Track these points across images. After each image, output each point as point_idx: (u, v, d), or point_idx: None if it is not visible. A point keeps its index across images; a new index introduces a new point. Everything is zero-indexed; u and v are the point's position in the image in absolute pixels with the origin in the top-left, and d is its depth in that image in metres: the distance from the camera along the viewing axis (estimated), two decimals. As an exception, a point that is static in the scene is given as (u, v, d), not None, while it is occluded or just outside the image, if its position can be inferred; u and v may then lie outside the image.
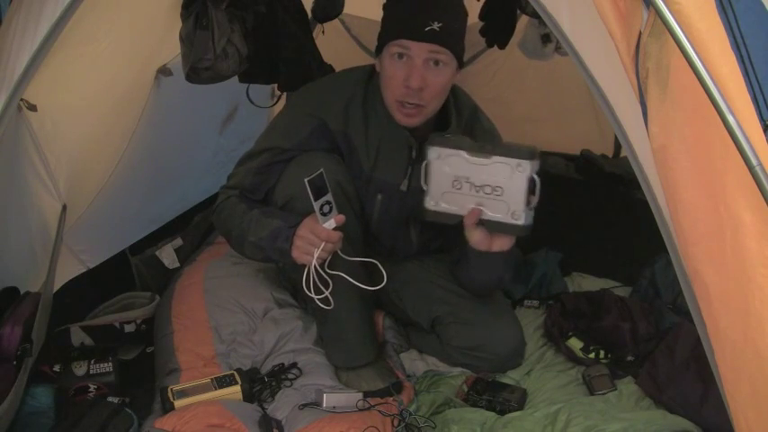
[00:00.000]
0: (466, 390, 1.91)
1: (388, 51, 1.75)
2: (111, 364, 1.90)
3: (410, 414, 1.78)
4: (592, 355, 2.07)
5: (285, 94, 2.36)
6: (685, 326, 1.98)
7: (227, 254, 2.46)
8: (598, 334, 2.13)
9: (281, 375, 1.91)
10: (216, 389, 1.79)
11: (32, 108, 1.72)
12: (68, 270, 2.15)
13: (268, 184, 1.90)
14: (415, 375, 2.03)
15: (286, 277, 2.25)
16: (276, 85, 2.17)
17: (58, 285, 2.06)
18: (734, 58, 1.14)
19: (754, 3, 1.45)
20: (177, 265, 2.54)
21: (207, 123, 2.70)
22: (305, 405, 1.79)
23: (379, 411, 1.78)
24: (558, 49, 2.58)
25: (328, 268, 1.74)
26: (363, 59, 2.98)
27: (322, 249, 1.67)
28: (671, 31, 1.11)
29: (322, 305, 1.74)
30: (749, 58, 1.27)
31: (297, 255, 1.72)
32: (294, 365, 1.95)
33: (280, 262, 2.05)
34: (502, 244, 1.74)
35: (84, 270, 2.23)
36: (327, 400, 1.78)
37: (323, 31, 2.51)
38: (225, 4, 1.79)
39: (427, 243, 2.13)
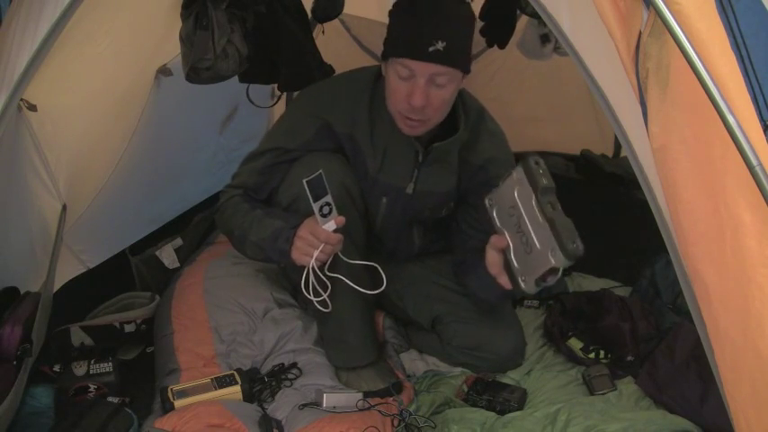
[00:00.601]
0: (466, 390, 1.91)
1: (392, 65, 1.72)
2: (111, 364, 1.90)
3: (410, 414, 1.78)
4: (592, 355, 2.08)
5: (285, 94, 2.36)
6: (685, 326, 1.98)
7: (227, 254, 2.46)
8: (598, 334, 2.13)
9: (281, 375, 1.91)
10: (216, 389, 1.79)
11: (32, 108, 1.72)
12: (68, 270, 2.15)
13: (271, 185, 1.90)
14: (415, 375, 2.03)
15: (286, 277, 2.25)
16: (276, 85, 2.17)
17: (58, 285, 2.06)
18: (734, 58, 1.14)
19: (754, 3, 1.46)
20: (177, 265, 2.53)
21: (207, 123, 2.70)
22: (305, 405, 1.79)
23: (379, 411, 1.78)
24: (556, 48, 2.58)
25: (328, 270, 1.74)
26: (363, 59, 2.99)
27: (321, 251, 1.67)
28: (671, 31, 1.11)
29: (320, 308, 1.74)
30: (749, 58, 1.28)
31: (296, 256, 1.72)
32: (294, 365, 1.95)
33: (281, 263, 2.04)
34: (505, 283, 1.68)
35: (84, 270, 2.23)
36: (327, 400, 1.78)
37: (323, 31, 2.51)
38: (225, 4, 1.79)
39: (429, 245, 2.13)
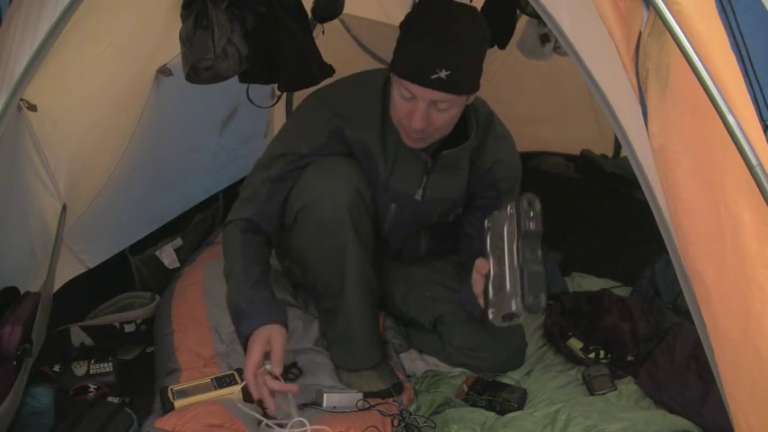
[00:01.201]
0: (466, 390, 1.91)
1: (397, 81, 1.69)
2: (111, 364, 1.90)
3: (410, 414, 1.78)
4: (592, 355, 2.08)
5: (285, 94, 2.36)
6: (685, 326, 1.98)
7: (227, 254, 2.47)
8: (598, 334, 2.13)
9: (282, 375, 1.91)
10: (216, 389, 1.79)
11: (32, 108, 1.72)
12: (68, 270, 2.15)
13: (284, 194, 1.85)
14: (415, 375, 2.03)
15: (286, 277, 2.25)
16: (276, 85, 2.17)
17: (58, 285, 2.06)
18: (734, 58, 1.14)
19: (754, 3, 1.45)
20: (177, 265, 2.54)
21: (207, 123, 2.70)
22: (305, 405, 1.79)
23: (379, 411, 1.78)
24: (556, 48, 2.58)
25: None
26: (363, 59, 2.99)
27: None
28: (671, 31, 1.11)
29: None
30: (749, 58, 1.27)
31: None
32: (294, 365, 1.95)
33: None
34: (482, 304, 1.66)
35: (84, 270, 2.23)
36: (327, 400, 1.79)
37: (323, 31, 2.50)
38: (225, 4, 1.79)
39: (436, 247, 2.13)
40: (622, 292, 2.40)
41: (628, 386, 1.94)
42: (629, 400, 1.89)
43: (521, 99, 3.02)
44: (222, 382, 1.81)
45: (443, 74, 1.59)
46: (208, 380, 1.82)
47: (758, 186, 1.08)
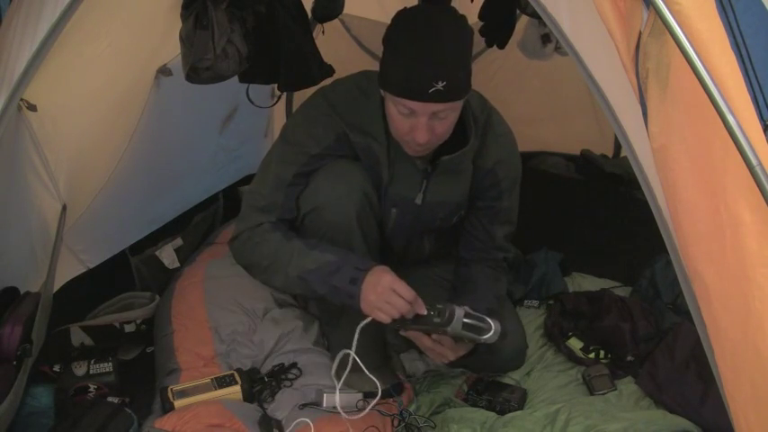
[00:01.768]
0: (466, 390, 1.91)
1: (392, 100, 1.67)
2: (111, 364, 1.90)
3: (410, 414, 1.78)
4: (592, 355, 2.08)
5: (285, 94, 2.35)
6: (685, 326, 1.98)
7: (227, 254, 2.45)
8: (598, 334, 2.13)
9: (281, 375, 1.91)
10: (216, 389, 1.79)
11: (32, 108, 1.72)
12: (68, 270, 2.15)
13: (297, 194, 1.84)
14: (416, 375, 2.03)
15: None
16: (276, 85, 2.17)
17: (58, 285, 2.06)
18: (734, 58, 1.14)
19: (754, 3, 1.46)
20: (177, 265, 2.53)
21: (207, 123, 2.70)
22: (305, 405, 1.79)
23: (379, 411, 1.78)
24: (557, 48, 2.58)
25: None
26: (363, 59, 2.99)
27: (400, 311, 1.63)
28: (671, 31, 1.11)
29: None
30: (749, 58, 1.28)
31: (368, 309, 1.66)
32: (294, 365, 1.95)
33: (333, 299, 1.79)
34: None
35: (84, 270, 2.23)
36: (327, 400, 1.79)
37: (323, 31, 2.50)
38: (225, 4, 1.78)
39: (440, 250, 2.12)
40: (622, 292, 2.40)
41: (628, 386, 1.94)
42: (629, 400, 1.89)
43: (521, 99, 3.02)
44: (222, 382, 1.81)
45: (441, 85, 1.58)
46: (208, 380, 1.82)
47: (758, 186, 1.09)
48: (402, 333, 1.81)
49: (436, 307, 1.63)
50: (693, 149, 1.17)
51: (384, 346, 2.06)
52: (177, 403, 1.73)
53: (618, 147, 3.12)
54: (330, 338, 2.05)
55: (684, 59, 1.10)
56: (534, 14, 2.37)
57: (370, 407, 1.71)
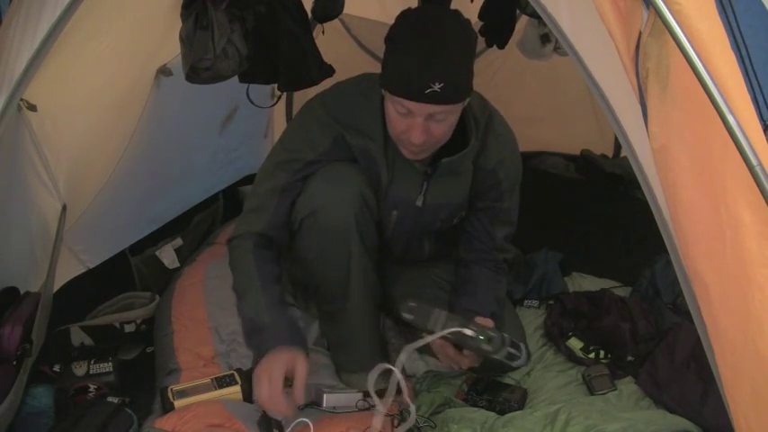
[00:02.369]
0: (466, 390, 1.91)
1: (390, 99, 1.66)
2: (111, 364, 1.90)
3: (410, 414, 1.78)
4: (592, 355, 2.07)
5: (285, 94, 2.35)
6: (685, 326, 1.98)
7: (227, 254, 2.46)
8: (598, 334, 2.13)
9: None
10: (216, 389, 1.79)
11: (32, 108, 1.72)
12: (68, 270, 2.15)
13: (291, 202, 1.82)
14: (416, 375, 2.03)
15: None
16: (276, 85, 2.17)
17: (58, 285, 2.06)
18: (734, 58, 1.14)
19: (754, 3, 1.46)
20: (177, 265, 2.54)
21: (207, 123, 2.70)
22: (305, 405, 1.78)
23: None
24: (557, 48, 2.58)
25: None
26: (363, 59, 2.99)
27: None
28: (671, 31, 1.11)
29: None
30: (749, 58, 1.28)
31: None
32: (294, 365, 1.95)
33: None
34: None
35: (84, 270, 2.23)
36: (327, 400, 1.78)
37: (323, 31, 2.50)
38: (225, 4, 1.79)
39: (440, 250, 2.12)
40: (622, 292, 2.40)
41: (628, 386, 1.94)
42: (629, 400, 1.89)
43: (521, 99, 3.02)
44: (222, 382, 1.81)
45: (437, 87, 1.57)
46: (208, 380, 1.82)
47: (758, 186, 1.09)
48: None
49: (486, 333, 1.63)
50: (693, 149, 1.17)
51: (384, 345, 2.06)
52: (177, 403, 1.73)
53: (618, 147, 3.13)
54: (330, 339, 2.05)
55: (684, 59, 1.10)
56: (534, 14, 2.37)
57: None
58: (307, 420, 1.68)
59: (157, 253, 2.50)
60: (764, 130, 1.16)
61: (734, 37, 1.25)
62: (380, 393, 1.87)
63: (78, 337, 2.04)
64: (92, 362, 1.89)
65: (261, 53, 1.97)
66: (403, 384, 1.61)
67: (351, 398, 1.82)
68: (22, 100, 1.64)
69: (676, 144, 1.18)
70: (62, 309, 2.03)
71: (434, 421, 1.77)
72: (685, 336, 1.96)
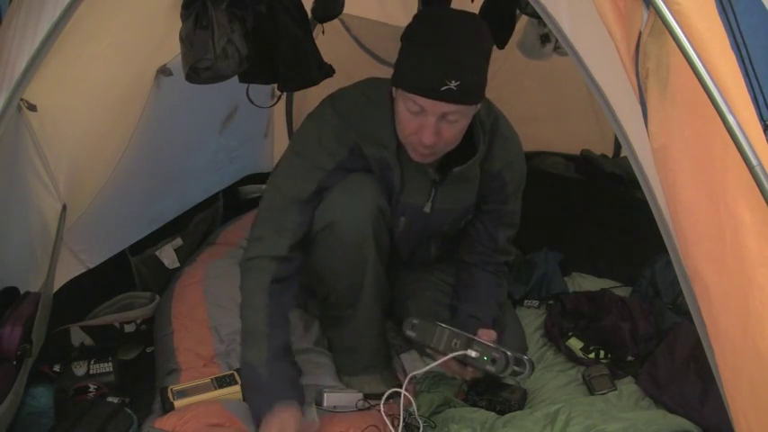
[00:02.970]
0: (466, 390, 1.91)
1: (402, 96, 1.65)
2: (111, 364, 1.90)
3: (410, 414, 1.78)
4: (592, 355, 2.08)
5: (285, 94, 2.35)
6: (685, 326, 1.98)
7: (227, 254, 2.46)
8: (598, 334, 2.13)
9: (281, 375, 1.90)
10: (216, 389, 1.79)
11: (32, 108, 1.72)
12: (68, 270, 2.15)
13: (310, 214, 1.79)
14: (416, 375, 2.03)
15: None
16: (276, 85, 2.17)
17: (58, 285, 2.06)
18: (734, 58, 1.14)
19: (754, 3, 1.46)
20: (177, 265, 2.53)
21: (207, 123, 2.70)
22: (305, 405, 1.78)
23: (379, 411, 1.78)
24: (557, 48, 2.58)
25: None
26: (363, 59, 2.99)
27: None
28: (671, 31, 1.11)
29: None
30: (749, 58, 1.28)
31: None
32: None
33: None
34: None
35: (84, 270, 2.23)
36: (327, 399, 1.79)
37: (323, 31, 2.50)
38: (225, 4, 1.79)
39: (447, 253, 2.12)
40: (622, 292, 2.40)
41: (628, 386, 1.94)
42: (629, 400, 1.89)
43: (521, 99, 3.02)
44: (222, 382, 1.81)
45: (453, 85, 1.55)
46: (208, 380, 1.82)
47: (758, 186, 1.09)
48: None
49: (491, 353, 1.64)
50: (693, 149, 1.17)
51: (387, 348, 2.06)
52: (177, 403, 1.73)
53: (618, 147, 3.13)
54: (334, 342, 2.05)
55: (684, 59, 1.10)
56: (534, 14, 2.37)
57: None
58: (307, 420, 1.68)
59: (157, 253, 2.50)
60: (764, 130, 1.16)
61: (734, 37, 1.25)
62: (380, 396, 1.88)
63: (78, 337, 2.04)
64: (92, 362, 1.89)
65: (261, 53, 1.97)
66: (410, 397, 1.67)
67: (351, 398, 1.82)
68: (22, 100, 1.64)
69: (676, 144, 1.18)
70: (62, 309, 2.03)
71: (434, 421, 1.77)
72: (685, 336, 1.96)
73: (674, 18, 1.10)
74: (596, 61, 1.28)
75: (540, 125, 3.08)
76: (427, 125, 1.62)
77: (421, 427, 1.74)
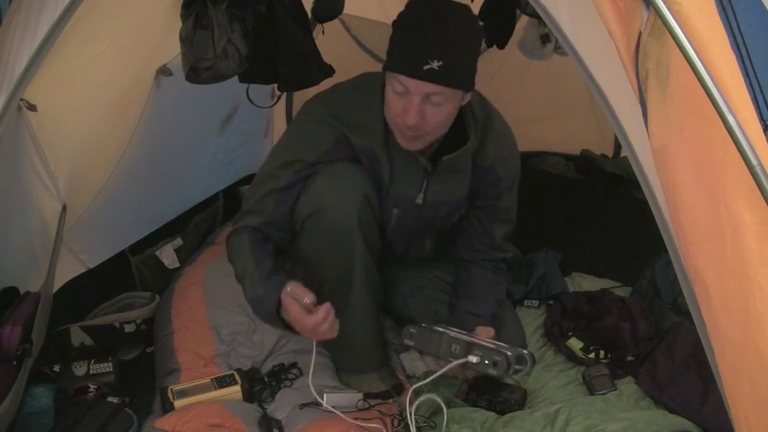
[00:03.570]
0: (466, 390, 1.91)
1: (390, 78, 1.67)
2: (111, 364, 1.90)
3: (410, 414, 1.78)
4: (592, 355, 2.08)
5: (285, 94, 2.35)
6: (685, 326, 1.98)
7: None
8: (598, 334, 2.13)
9: (281, 375, 1.91)
10: (216, 389, 1.79)
11: (32, 108, 1.72)
12: (68, 270, 2.15)
13: (292, 201, 1.83)
14: (416, 375, 2.03)
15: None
16: (276, 85, 2.17)
17: (58, 285, 2.06)
18: (734, 58, 1.14)
19: (754, 3, 1.46)
20: (177, 265, 2.54)
21: (207, 123, 2.70)
22: (305, 405, 1.79)
23: (379, 411, 1.78)
24: (557, 48, 2.58)
25: None
26: (363, 59, 2.99)
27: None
28: (671, 31, 1.11)
29: None
30: (749, 58, 1.28)
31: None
32: (294, 365, 1.95)
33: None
34: None
35: (84, 270, 2.23)
36: (327, 399, 1.78)
37: (323, 31, 2.50)
38: (225, 4, 1.78)
39: (441, 249, 2.12)
40: (622, 292, 2.40)
41: (628, 386, 1.94)
42: (629, 400, 1.89)
43: (521, 99, 3.02)
44: (222, 382, 1.81)
45: (435, 65, 1.57)
46: (208, 380, 1.82)
47: (758, 186, 1.08)
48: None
49: (491, 356, 1.65)
50: (693, 149, 1.17)
51: (384, 345, 2.06)
52: (177, 403, 1.73)
53: (618, 147, 3.12)
54: (330, 339, 2.04)
55: (684, 59, 1.10)
56: (534, 14, 2.37)
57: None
58: (307, 420, 1.68)
59: (157, 253, 2.50)
60: (764, 130, 1.16)
61: (734, 37, 1.24)
62: (381, 395, 1.88)
63: (78, 337, 2.04)
64: (92, 362, 1.89)
65: (261, 53, 1.97)
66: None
67: (351, 398, 1.82)
68: (22, 100, 1.64)
69: (676, 144, 1.18)
70: (62, 309, 2.03)
71: (434, 421, 1.77)
72: (685, 336, 1.96)
73: (674, 18, 1.10)
74: (596, 61, 1.28)
75: (540, 125, 3.08)
76: (411, 106, 1.63)
77: (420, 427, 1.74)
